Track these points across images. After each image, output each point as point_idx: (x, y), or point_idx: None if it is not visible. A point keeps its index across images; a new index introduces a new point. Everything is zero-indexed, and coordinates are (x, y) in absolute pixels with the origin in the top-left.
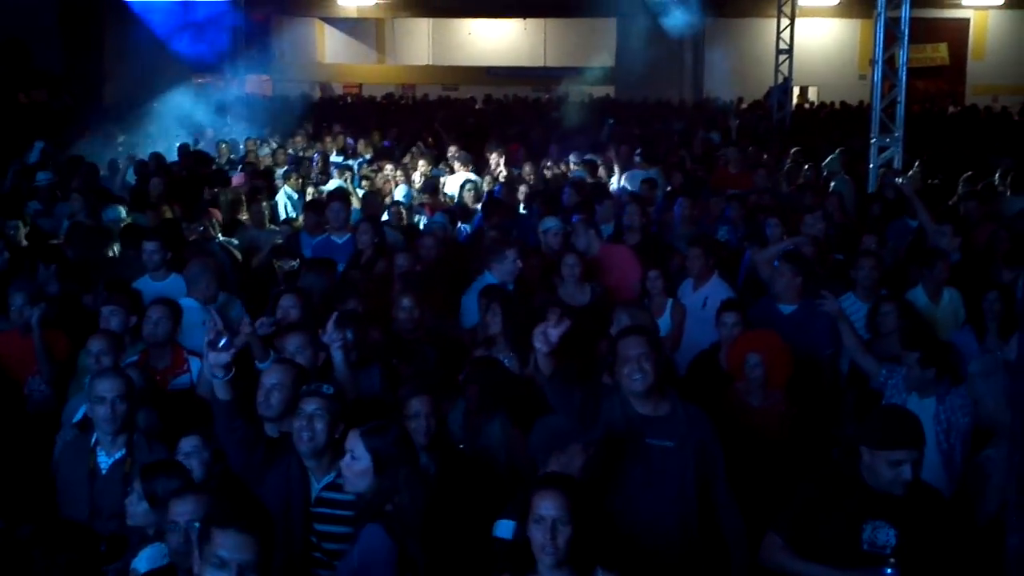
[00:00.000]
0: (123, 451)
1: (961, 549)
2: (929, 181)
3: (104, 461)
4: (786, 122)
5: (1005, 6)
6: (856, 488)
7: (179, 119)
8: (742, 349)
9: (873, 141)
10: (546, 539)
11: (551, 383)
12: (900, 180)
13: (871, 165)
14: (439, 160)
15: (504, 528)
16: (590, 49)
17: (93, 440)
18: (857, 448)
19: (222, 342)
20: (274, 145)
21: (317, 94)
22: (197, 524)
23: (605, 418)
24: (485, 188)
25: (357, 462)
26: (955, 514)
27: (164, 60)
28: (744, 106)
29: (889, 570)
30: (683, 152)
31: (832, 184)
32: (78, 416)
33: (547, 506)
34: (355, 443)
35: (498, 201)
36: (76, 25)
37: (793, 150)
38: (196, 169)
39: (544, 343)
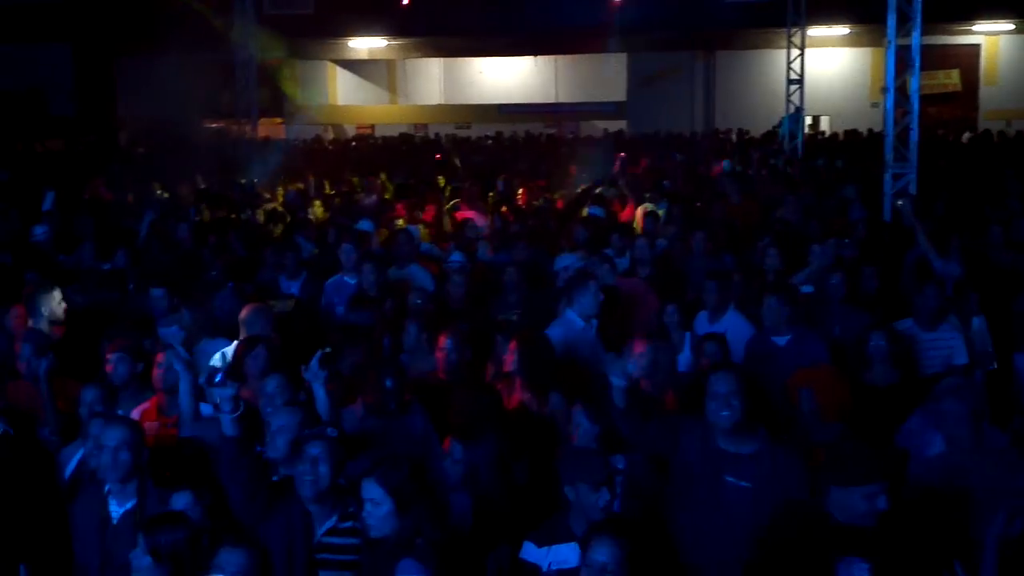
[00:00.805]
0: (134, 500)
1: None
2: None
3: (115, 511)
4: (798, 151)
5: (1016, 31)
6: (823, 525)
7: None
8: (793, 386)
9: (887, 169)
10: None
11: (627, 416)
12: (900, 203)
13: (886, 193)
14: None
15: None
16: (601, 84)
17: (107, 489)
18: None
19: (218, 377)
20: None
21: (330, 136)
22: None
23: (683, 453)
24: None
25: (379, 507)
26: (929, 538)
27: (177, 105)
28: (751, 137)
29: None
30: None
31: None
32: (71, 465)
33: (601, 552)
34: (372, 489)
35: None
36: (90, 73)
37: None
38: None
39: (624, 377)
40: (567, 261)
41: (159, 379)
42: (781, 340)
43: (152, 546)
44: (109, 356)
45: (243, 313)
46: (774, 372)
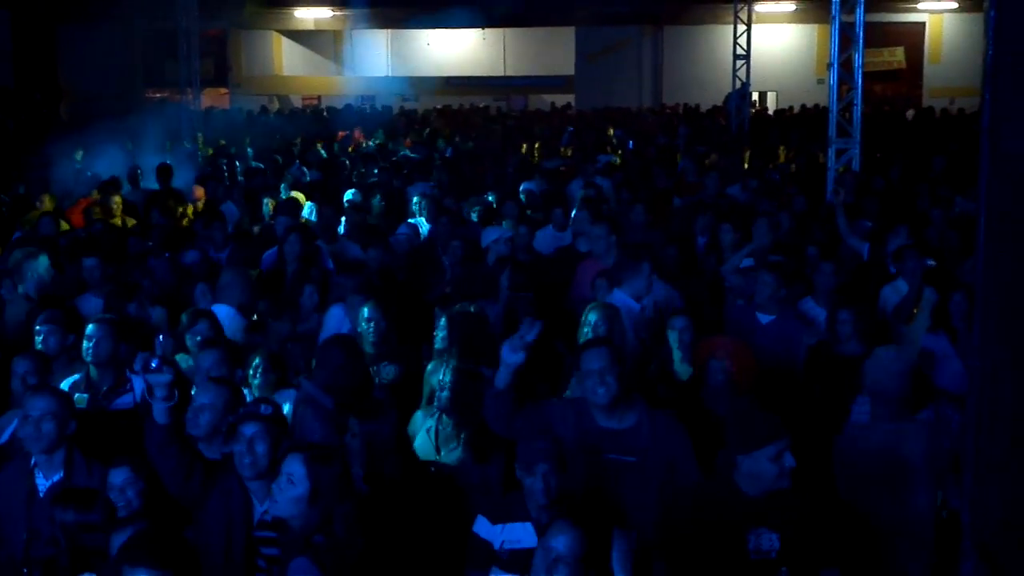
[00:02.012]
0: (61, 473)
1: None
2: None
3: (42, 484)
4: (744, 127)
5: (959, 9)
6: (733, 500)
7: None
8: (703, 356)
9: (831, 145)
10: (541, 570)
11: (496, 399)
12: (839, 193)
13: (829, 168)
14: None
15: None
16: (550, 58)
17: (32, 462)
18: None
19: (154, 363)
20: None
21: (275, 107)
22: None
23: (558, 434)
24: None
25: (293, 487)
26: (835, 507)
27: (118, 75)
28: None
29: None
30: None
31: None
32: (4, 437)
33: (556, 540)
34: (296, 466)
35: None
36: (28, 41)
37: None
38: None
39: (513, 353)
40: (495, 235)
41: (90, 351)
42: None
43: (59, 521)
44: (39, 327)
45: (222, 278)
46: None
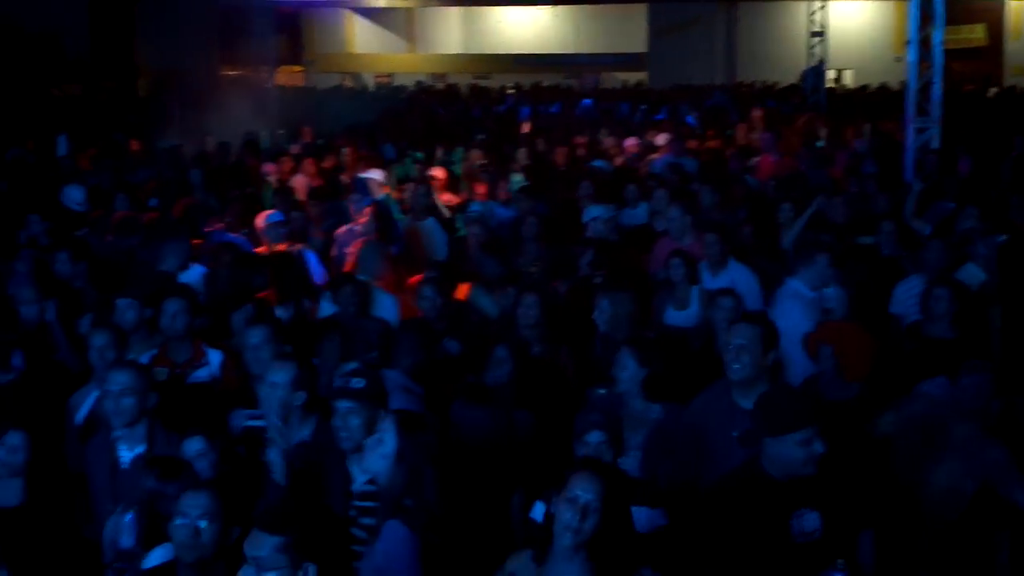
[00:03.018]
0: (143, 446)
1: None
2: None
3: (125, 456)
4: (820, 105)
5: None
6: (766, 487)
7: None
8: (814, 341)
9: (909, 124)
10: (572, 520)
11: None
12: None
13: (907, 148)
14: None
15: (539, 511)
16: (622, 35)
17: (114, 435)
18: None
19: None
20: None
21: (349, 84)
22: (205, 522)
23: (699, 411)
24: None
25: (382, 445)
26: (869, 479)
27: (194, 52)
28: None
29: (838, 573)
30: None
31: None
32: (83, 412)
33: (582, 488)
34: (386, 426)
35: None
36: (107, 18)
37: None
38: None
39: None
40: (596, 212)
41: (167, 325)
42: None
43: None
44: (118, 302)
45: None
46: None
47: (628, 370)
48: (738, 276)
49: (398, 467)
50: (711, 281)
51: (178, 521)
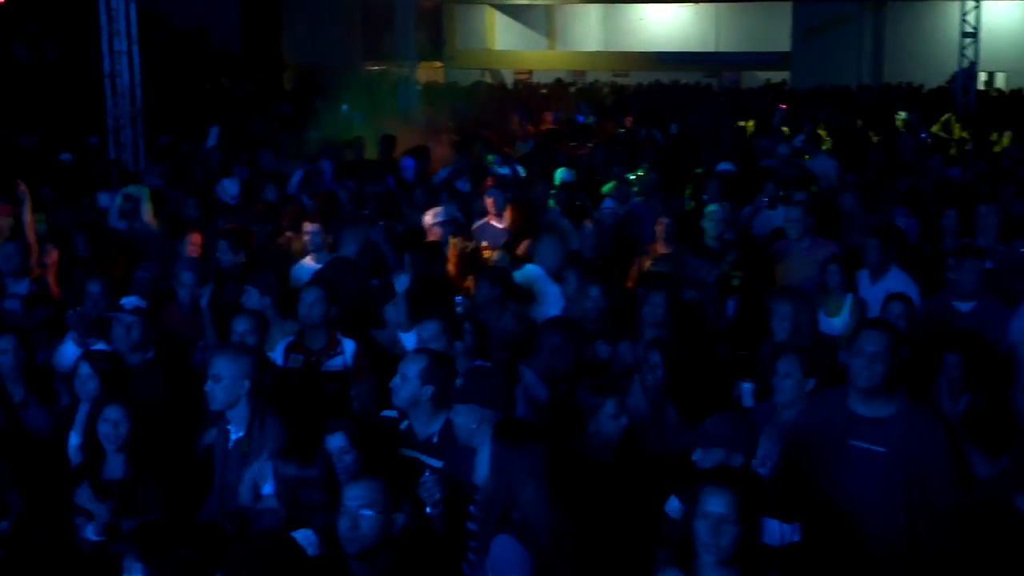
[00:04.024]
0: (244, 430)
1: None
2: None
3: (233, 437)
4: (970, 109)
5: None
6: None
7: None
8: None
9: None
10: (708, 538)
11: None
12: None
13: None
14: None
15: (673, 505)
16: (765, 34)
17: (227, 418)
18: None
19: None
20: None
21: (488, 80)
22: (368, 511)
23: (813, 416)
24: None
25: (481, 453)
26: None
27: (339, 47)
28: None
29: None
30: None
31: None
32: None
33: (714, 503)
34: (485, 438)
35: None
36: (256, 13)
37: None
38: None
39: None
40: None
41: (304, 314)
42: (965, 307)
43: (278, 476)
44: (250, 288)
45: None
46: None
47: (792, 378)
48: (898, 284)
49: (492, 478)
50: (870, 288)
51: (340, 512)
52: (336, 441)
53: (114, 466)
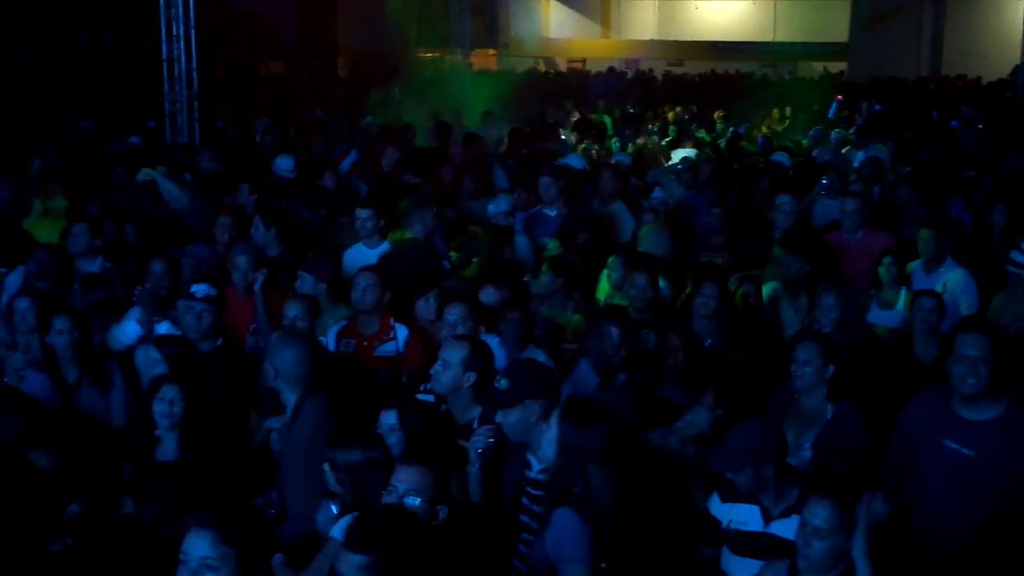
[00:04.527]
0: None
1: None
2: None
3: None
4: None
5: None
6: None
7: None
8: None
9: None
10: (800, 544)
11: None
12: None
13: None
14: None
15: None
16: (822, 23)
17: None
18: None
19: None
20: None
21: (542, 68)
22: (412, 499)
23: (912, 416)
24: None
25: (550, 432)
26: None
27: (393, 34)
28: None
29: None
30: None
31: None
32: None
33: (811, 512)
34: (554, 419)
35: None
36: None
37: None
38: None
39: None
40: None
41: (357, 299)
42: None
43: (332, 461)
44: (302, 273)
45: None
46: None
47: (812, 365)
48: (954, 277)
49: (560, 456)
50: (924, 280)
51: (385, 497)
52: (388, 418)
53: (167, 447)
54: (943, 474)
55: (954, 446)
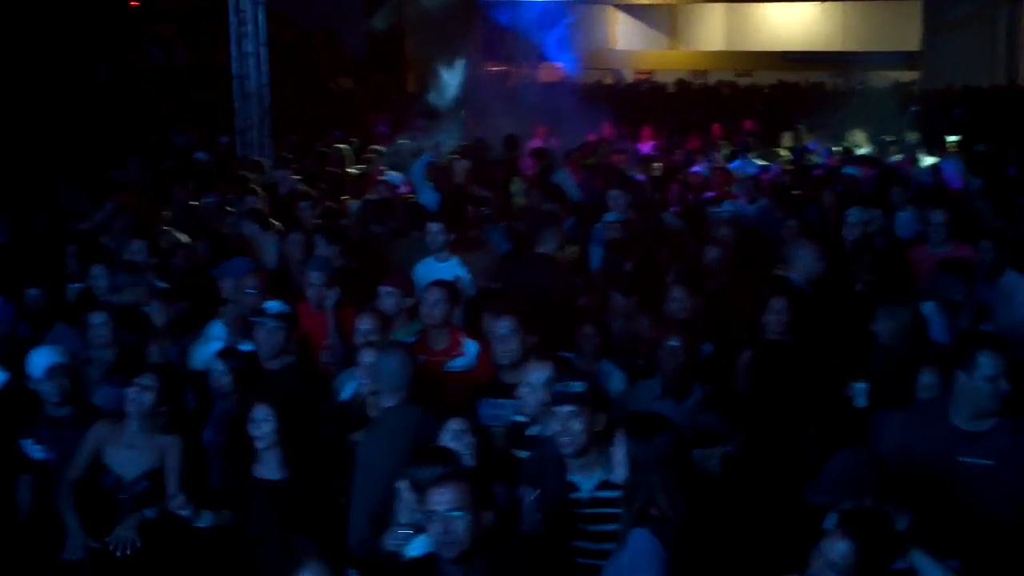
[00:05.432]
0: None
1: None
2: None
3: None
4: None
5: None
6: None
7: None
8: None
9: None
10: None
11: None
12: None
13: None
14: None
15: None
16: (893, 32)
17: None
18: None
19: None
20: None
21: (609, 81)
22: (457, 513)
23: (913, 437)
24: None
25: (617, 450)
26: None
27: (460, 48)
28: None
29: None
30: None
31: None
32: (347, 391)
33: (831, 548)
34: (620, 435)
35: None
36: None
37: None
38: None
39: None
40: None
41: (427, 314)
42: None
43: (414, 479)
44: (380, 289)
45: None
46: None
47: (934, 390)
48: (1015, 287)
49: (632, 473)
50: (983, 292)
51: (431, 518)
52: (455, 425)
53: (269, 465)
54: (966, 489)
55: (971, 460)
